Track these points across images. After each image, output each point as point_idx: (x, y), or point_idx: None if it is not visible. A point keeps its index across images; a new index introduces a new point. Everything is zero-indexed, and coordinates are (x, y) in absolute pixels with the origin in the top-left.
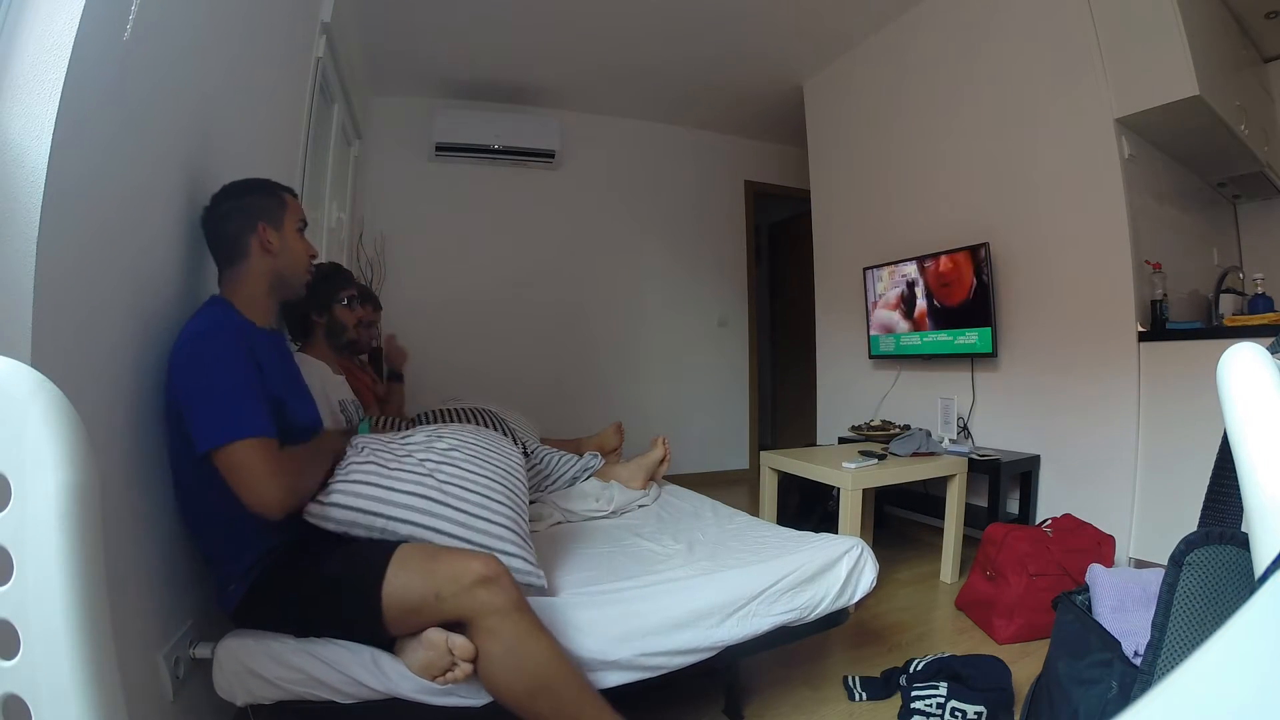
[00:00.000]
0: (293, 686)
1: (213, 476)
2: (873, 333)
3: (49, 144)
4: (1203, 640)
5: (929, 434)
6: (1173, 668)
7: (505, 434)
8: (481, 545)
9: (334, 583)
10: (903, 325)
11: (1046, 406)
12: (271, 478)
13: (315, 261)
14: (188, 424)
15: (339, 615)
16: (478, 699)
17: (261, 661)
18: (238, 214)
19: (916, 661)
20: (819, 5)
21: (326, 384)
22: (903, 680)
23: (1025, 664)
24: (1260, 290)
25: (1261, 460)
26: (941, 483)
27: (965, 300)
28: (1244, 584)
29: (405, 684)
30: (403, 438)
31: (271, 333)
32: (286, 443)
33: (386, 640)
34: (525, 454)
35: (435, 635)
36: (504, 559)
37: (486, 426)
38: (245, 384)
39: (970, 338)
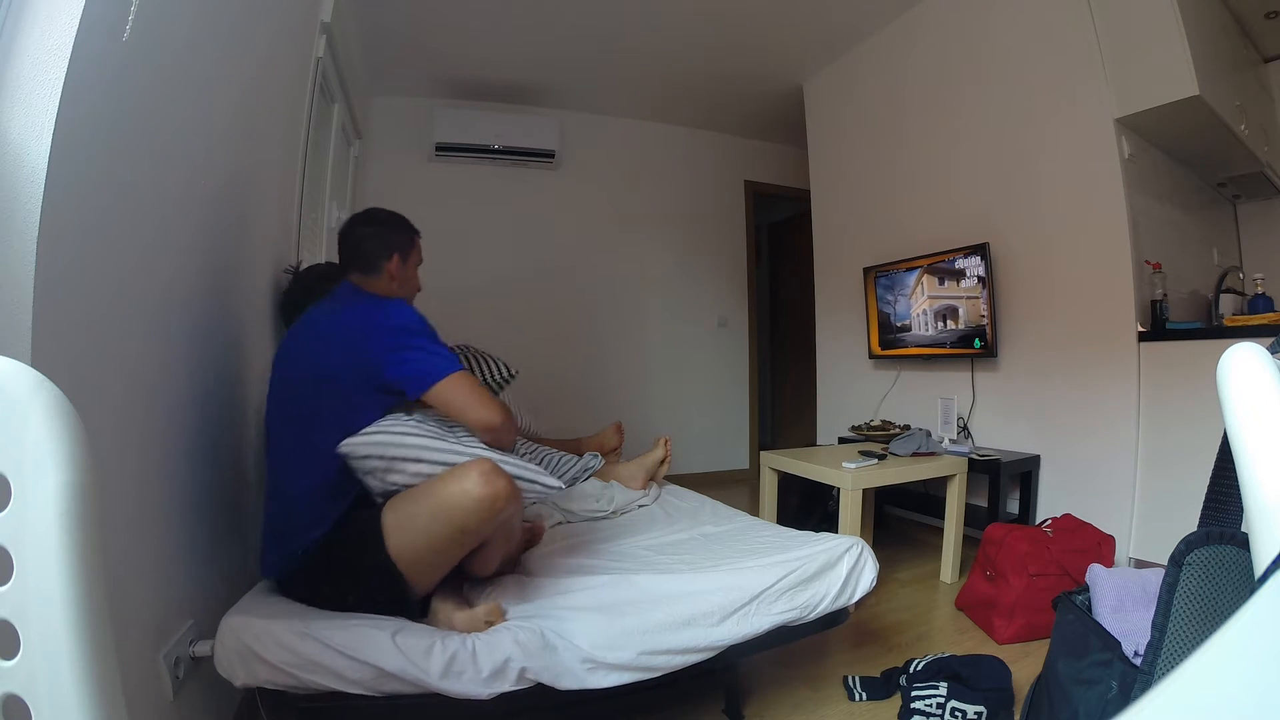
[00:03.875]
0: (295, 671)
1: (325, 447)
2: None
3: (49, 144)
4: (1203, 640)
5: (929, 434)
6: (1173, 668)
7: (487, 362)
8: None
9: (358, 547)
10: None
11: (1046, 406)
12: (490, 400)
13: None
14: (399, 373)
15: (367, 583)
16: (484, 689)
17: (263, 643)
18: (378, 240)
19: (916, 661)
20: (819, 5)
21: None
22: (903, 680)
23: (1025, 664)
24: (1260, 290)
25: (1261, 460)
26: (941, 483)
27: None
28: (1244, 584)
29: (422, 660)
30: None
31: None
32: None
33: (416, 602)
34: (511, 375)
35: (462, 622)
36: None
37: (466, 358)
38: (431, 336)
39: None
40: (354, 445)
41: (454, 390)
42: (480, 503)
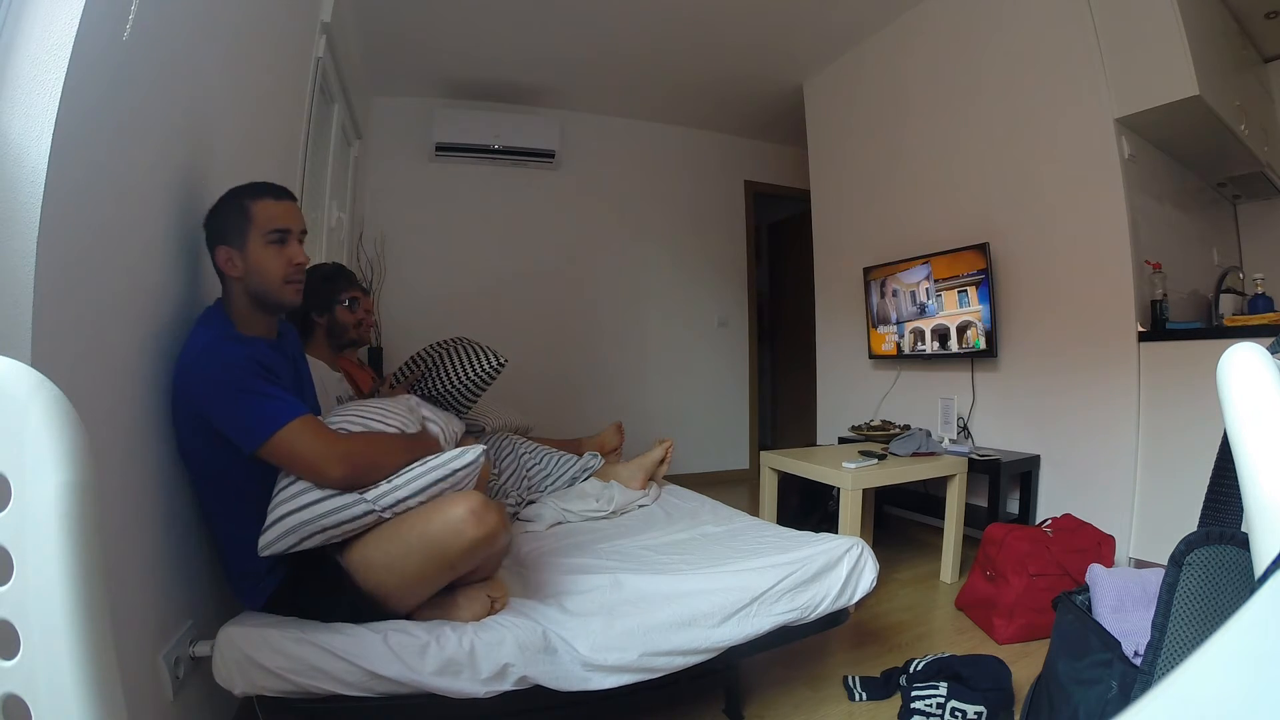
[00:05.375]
0: (294, 677)
1: (247, 476)
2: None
3: (49, 144)
4: (1203, 640)
5: (929, 434)
6: (1173, 668)
7: (477, 353)
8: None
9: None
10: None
11: (1046, 406)
12: (328, 449)
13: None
14: (226, 431)
15: (348, 599)
16: (482, 688)
17: (261, 650)
18: (209, 237)
19: (916, 661)
20: (819, 5)
21: (325, 382)
22: (903, 680)
23: (1025, 664)
24: (1260, 290)
25: (1261, 460)
26: (941, 483)
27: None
28: (1244, 584)
29: (416, 661)
30: None
31: (272, 342)
32: None
33: (403, 615)
34: (500, 364)
35: (467, 599)
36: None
37: (454, 351)
38: (265, 379)
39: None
40: (271, 544)
41: (291, 441)
42: (475, 543)
